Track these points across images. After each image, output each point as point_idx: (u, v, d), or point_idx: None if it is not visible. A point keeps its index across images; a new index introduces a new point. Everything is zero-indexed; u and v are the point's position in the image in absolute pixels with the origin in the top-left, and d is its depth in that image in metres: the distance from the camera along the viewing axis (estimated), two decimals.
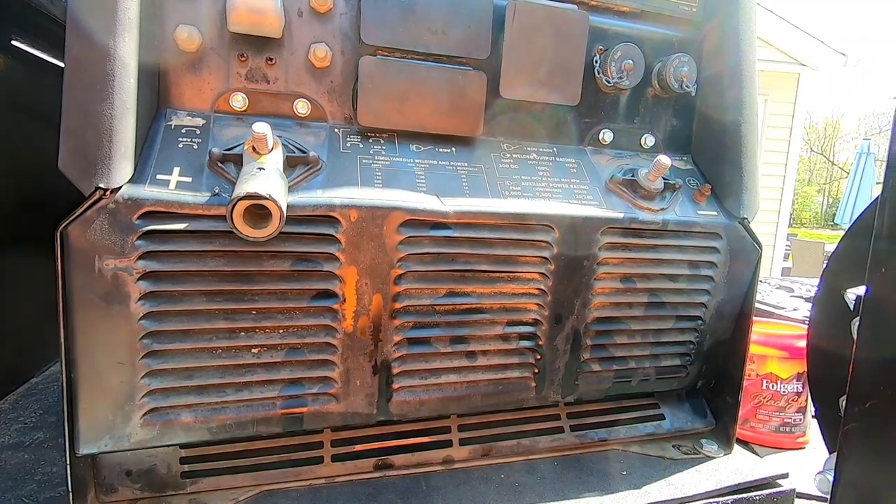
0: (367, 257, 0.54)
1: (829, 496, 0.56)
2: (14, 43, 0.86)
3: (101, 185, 0.46)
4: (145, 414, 0.52)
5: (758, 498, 0.65)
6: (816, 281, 0.71)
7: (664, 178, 0.65)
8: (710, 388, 0.77)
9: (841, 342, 0.59)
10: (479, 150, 0.64)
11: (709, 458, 0.72)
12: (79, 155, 0.47)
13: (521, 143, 0.66)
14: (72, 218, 0.46)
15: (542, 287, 0.62)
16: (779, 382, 0.94)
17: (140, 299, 0.49)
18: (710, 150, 0.72)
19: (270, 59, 0.56)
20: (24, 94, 0.88)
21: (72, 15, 0.46)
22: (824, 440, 0.68)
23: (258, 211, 0.45)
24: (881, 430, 0.51)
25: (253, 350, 0.54)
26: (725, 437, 0.74)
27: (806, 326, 0.77)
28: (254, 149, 0.50)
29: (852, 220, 0.63)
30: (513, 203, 0.60)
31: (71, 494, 0.50)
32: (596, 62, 0.66)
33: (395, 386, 0.59)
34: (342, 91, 0.59)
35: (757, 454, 0.73)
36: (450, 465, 0.65)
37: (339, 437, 0.62)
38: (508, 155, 0.65)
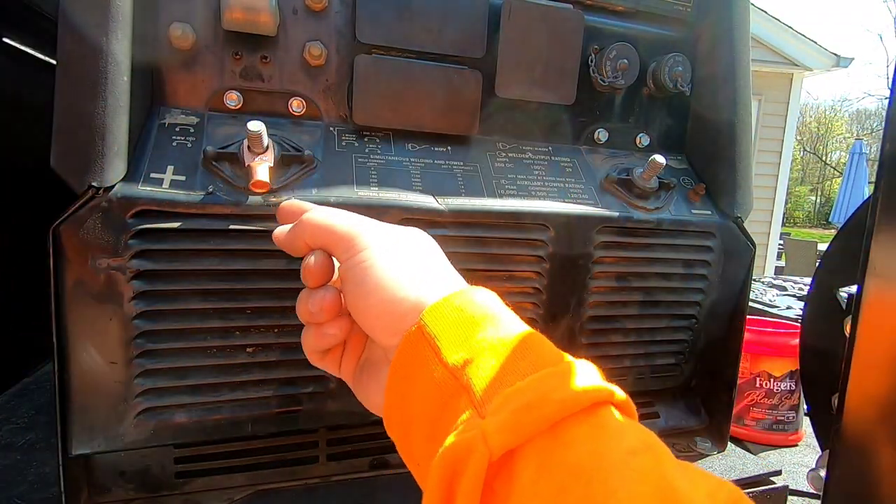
0: None
1: (821, 493, 0.56)
2: (5, 40, 0.85)
3: (94, 184, 0.46)
4: (139, 414, 0.51)
5: (751, 495, 0.65)
6: (809, 280, 0.72)
7: (659, 178, 0.66)
8: (703, 386, 0.77)
9: (833, 340, 0.60)
10: (475, 148, 0.64)
11: (703, 455, 0.72)
12: (71, 153, 0.46)
13: (517, 142, 0.66)
14: (64, 216, 0.46)
15: (538, 286, 0.62)
16: (772, 380, 0.95)
17: (133, 298, 0.49)
18: (704, 149, 0.72)
19: (265, 58, 0.56)
20: (16, 92, 0.87)
21: (64, 12, 0.46)
22: (817, 438, 0.69)
23: None
24: (873, 428, 0.51)
25: (248, 349, 0.53)
26: (719, 434, 0.75)
27: (798, 325, 0.78)
28: (249, 147, 0.50)
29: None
30: (508, 202, 0.60)
31: (64, 495, 0.50)
32: (591, 61, 0.66)
33: None
34: (337, 89, 0.59)
35: (750, 451, 0.74)
36: None
37: (334, 436, 0.62)
38: (504, 154, 0.65)
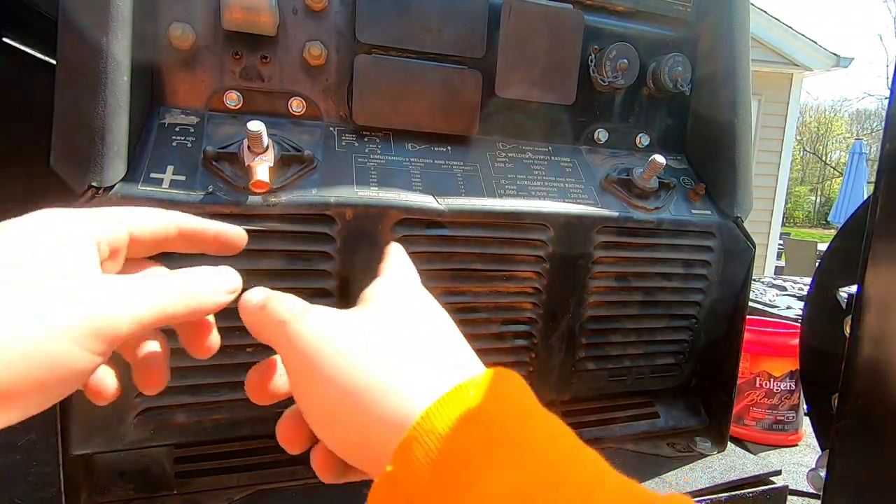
0: (363, 256, 0.54)
1: (821, 493, 0.56)
2: (5, 40, 0.85)
3: (94, 184, 0.46)
4: (139, 414, 0.51)
5: (751, 495, 0.66)
6: (809, 280, 0.72)
7: (659, 177, 0.66)
8: (703, 386, 0.77)
9: (833, 340, 0.60)
10: (475, 148, 0.64)
11: (702, 455, 0.72)
12: (71, 153, 0.46)
13: (517, 142, 0.66)
14: None
15: (538, 286, 0.62)
16: (772, 380, 0.95)
17: None
18: (704, 149, 0.72)
19: (265, 58, 0.56)
20: (16, 92, 0.87)
21: (64, 12, 0.46)
22: (817, 438, 0.69)
23: None
24: (872, 428, 0.51)
25: (248, 349, 0.53)
26: (719, 434, 0.75)
27: (798, 325, 0.78)
28: (249, 147, 0.50)
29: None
30: (508, 202, 0.60)
31: (64, 495, 0.50)
32: (591, 61, 0.66)
33: None
34: (337, 89, 0.59)
35: (750, 451, 0.74)
36: None
37: None
38: (504, 154, 0.65)
